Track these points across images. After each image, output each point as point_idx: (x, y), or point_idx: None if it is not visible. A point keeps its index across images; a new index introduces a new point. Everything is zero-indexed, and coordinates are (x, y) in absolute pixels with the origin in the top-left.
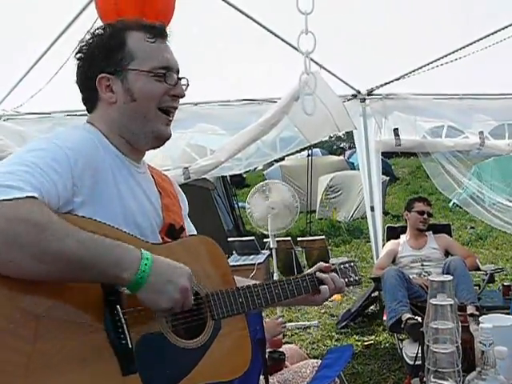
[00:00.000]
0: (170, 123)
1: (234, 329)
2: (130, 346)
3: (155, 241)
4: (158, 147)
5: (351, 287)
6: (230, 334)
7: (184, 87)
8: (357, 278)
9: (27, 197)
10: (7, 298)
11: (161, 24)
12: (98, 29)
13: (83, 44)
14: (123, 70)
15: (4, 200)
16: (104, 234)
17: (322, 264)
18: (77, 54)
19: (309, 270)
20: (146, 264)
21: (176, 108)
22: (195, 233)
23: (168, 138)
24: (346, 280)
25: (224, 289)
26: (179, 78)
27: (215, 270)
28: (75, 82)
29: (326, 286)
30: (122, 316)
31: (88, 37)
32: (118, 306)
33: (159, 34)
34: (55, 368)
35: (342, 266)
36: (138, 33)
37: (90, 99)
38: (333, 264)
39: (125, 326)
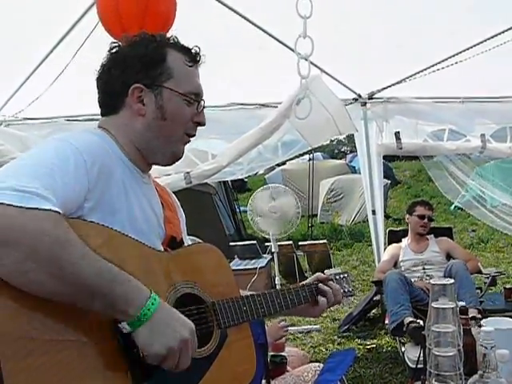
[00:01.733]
0: (187, 144)
1: (239, 337)
2: (141, 355)
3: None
4: (169, 165)
5: (344, 298)
6: (235, 342)
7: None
8: (350, 289)
9: (51, 210)
10: (17, 307)
11: (197, 49)
12: (136, 37)
13: (116, 47)
14: (159, 85)
15: (28, 208)
16: (117, 243)
17: (320, 275)
18: (109, 54)
19: (307, 280)
20: (152, 304)
21: (195, 135)
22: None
23: (181, 158)
24: (342, 291)
25: (229, 297)
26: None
27: (220, 279)
28: (96, 79)
29: (324, 298)
30: (124, 329)
31: (124, 42)
32: None
33: (195, 59)
34: (66, 376)
35: (337, 277)
36: (177, 53)
37: (113, 103)
38: (329, 274)
39: None
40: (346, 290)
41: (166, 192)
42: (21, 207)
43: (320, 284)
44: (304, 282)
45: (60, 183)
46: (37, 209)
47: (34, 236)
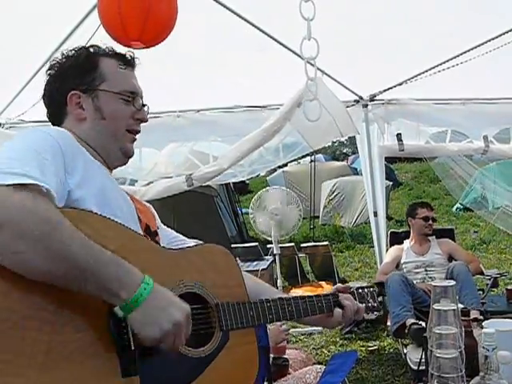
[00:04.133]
0: (134, 141)
1: (242, 341)
2: (133, 348)
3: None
4: (124, 164)
5: (369, 313)
6: (237, 346)
7: (146, 113)
8: (375, 305)
9: (38, 186)
10: (13, 295)
11: (131, 54)
12: (72, 50)
13: (55, 62)
14: (94, 89)
15: (15, 184)
16: (116, 234)
17: (340, 286)
18: (48, 70)
19: (327, 291)
20: (145, 288)
21: (139, 131)
22: (177, 235)
23: (132, 156)
24: (364, 305)
25: (235, 300)
26: (143, 105)
27: (228, 280)
28: (42, 97)
29: (339, 310)
30: (118, 314)
31: (61, 56)
32: None
33: (129, 63)
34: (57, 363)
35: (360, 291)
36: (110, 59)
37: (57, 114)
38: (350, 287)
39: (129, 327)
40: (371, 306)
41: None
42: (7, 186)
43: (341, 295)
44: (324, 293)
45: (43, 165)
46: (24, 185)
47: (22, 216)
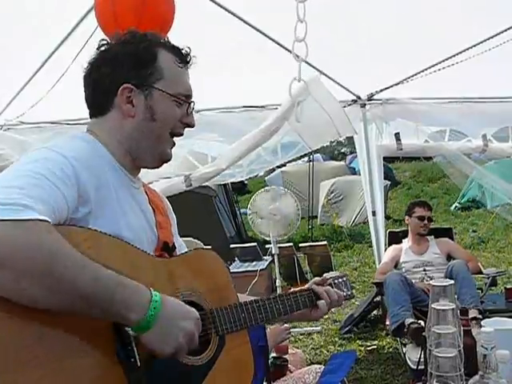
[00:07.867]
0: (173, 147)
1: (237, 344)
2: (139, 365)
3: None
4: (157, 168)
5: (343, 302)
6: (233, 349)
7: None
8: (349, 293)
9: (39, 220)
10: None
11: (187, 50)
12: (127, 34)
13: (107, 44)
14: (150, 86)
15: (14, 220)
16: (114, 249)
17: (317, 279)
18: (99, 52)
19: (306, 285)
20: (154, 308)
21: (182, 135)
22: (185, 249)
23: (168, 161)
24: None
25: (227, 304)
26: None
27: (218, 284)
28: (84, 77)
29: (323, 301)
30: (130, 334)
31: (115, 40)
32: None
33: (186, 59)
34: None
35: (335, 281)
36: (168, 53)
37: (102, 102)
38: (327, 279)
39: (133, 344)
40: (345, 294)
41: (156, 195)
42: (5, 221)
43: (314, 286)
44: (303, 287)
45: (48, 192)
46: (23, 220)
47: (24, 253)
